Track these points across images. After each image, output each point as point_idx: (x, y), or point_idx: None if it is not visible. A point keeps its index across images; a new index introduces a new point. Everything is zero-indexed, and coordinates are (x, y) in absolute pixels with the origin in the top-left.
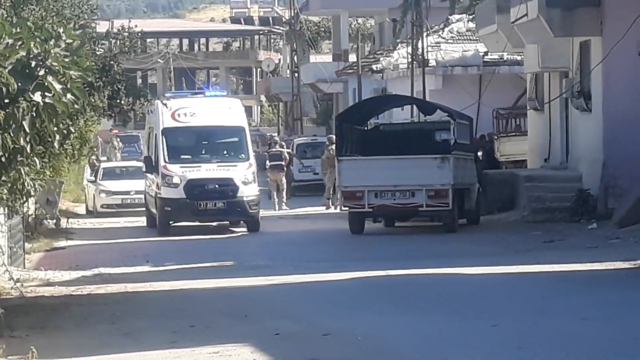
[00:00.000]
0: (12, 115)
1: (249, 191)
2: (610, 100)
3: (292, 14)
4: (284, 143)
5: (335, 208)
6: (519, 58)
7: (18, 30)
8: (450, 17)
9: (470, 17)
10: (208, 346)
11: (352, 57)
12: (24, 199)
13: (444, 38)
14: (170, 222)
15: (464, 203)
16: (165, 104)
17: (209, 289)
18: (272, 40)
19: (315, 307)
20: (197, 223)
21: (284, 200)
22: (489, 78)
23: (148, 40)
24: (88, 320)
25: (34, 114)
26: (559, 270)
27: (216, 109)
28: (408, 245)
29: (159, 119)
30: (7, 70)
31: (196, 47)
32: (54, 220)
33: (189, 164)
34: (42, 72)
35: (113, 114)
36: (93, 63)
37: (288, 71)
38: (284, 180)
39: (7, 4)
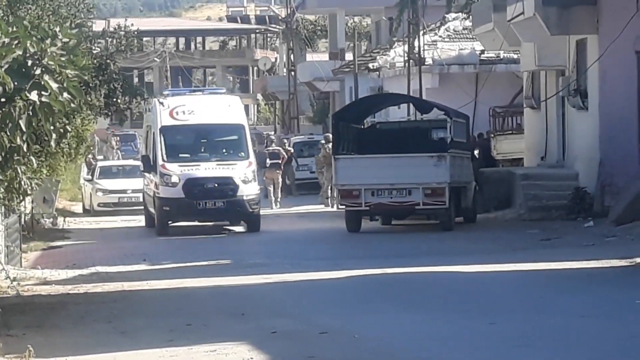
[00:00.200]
0: (8, 114)
1: (249, 190)
2: (607, 98)
3: (289, 13)
4: (285, 141)
5: (332, 206)
6: (515, 56)
7: (14, 29)
8: (446, 16)
9: (467, 15)
10: (205, 345)
11: (349, 56)
12: (21, 198)
13: (440, 36)
14: (169, 222)
15: (461, 201)
16: (162, 102)
17: (206, 288)
18: (268, 39)
19: (312, 305)
20: (196, 223)
21: (278, 199)
22: (486, 76)
23: (144, 39)
24: (85, 319)
25: (31, 113)
26: (556, 268)
27: (215, 106)
28: (405, 244)
29: (157, 117)
30: (3, 69)
31: (193, 46)
32: (51, 219)
33: (188, 162)
34: (38, 71)
35: (109, 113)
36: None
37: (285, 70)
38: (280, 179)
39: (4, 3)
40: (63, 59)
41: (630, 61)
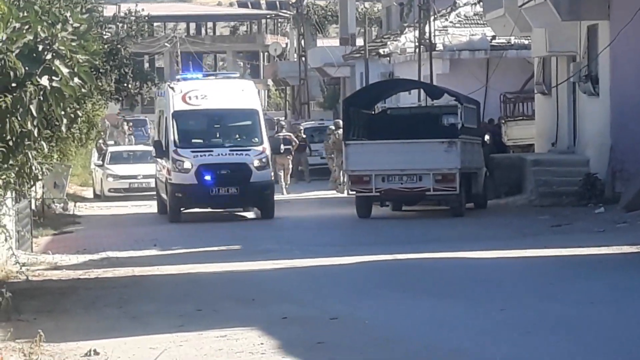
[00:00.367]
0: (19, 99)
1: (263, 176)
2: (618, 84)
3: None
4: (302, 128)
5: (344, 192)
6: (526, 42)
7: (25, 14)
8: (457, 1)
9: (478, 1)
10: (215, 330)
11: (360, 41)
12: (32, 182)
13: (451, 22)
14: (182, 209)
15: (471, 187)
16: (172, 87)
17: (216, 273)
18: (279, 24)
19: (323, 291)
20: (208, 210)
21: (287, 185)
22: (497, 62)
23: (155, 24)
24: (95, 304)
25: (42, 98)
26: (566, 254)
27: (229, 91)
28: (415, 230)
29: (170, 101)
30: (14, 54)
31: (203, 31)
32: (62, 204)
33: (201, 148)
34: (49, 56)
35: (120, 98)
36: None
37: (295, 55)
38: (290, 165)
39: None
40: (74, 44)
41: None
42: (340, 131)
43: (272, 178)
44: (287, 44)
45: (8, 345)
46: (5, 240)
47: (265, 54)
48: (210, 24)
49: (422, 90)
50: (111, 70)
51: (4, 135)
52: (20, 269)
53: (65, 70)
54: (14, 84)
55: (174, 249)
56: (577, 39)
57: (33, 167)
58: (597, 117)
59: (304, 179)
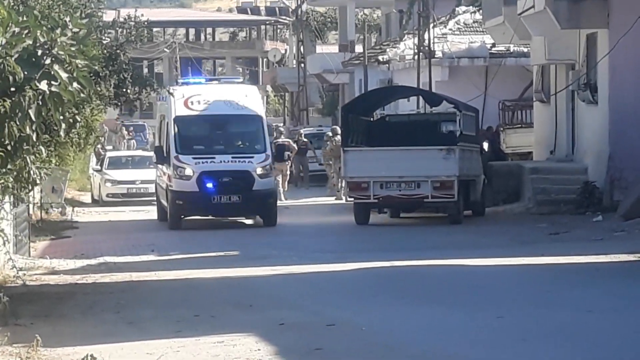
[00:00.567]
0: (18, 103)
1: (265, 184)
2: (617, 92)
3: (299, 4)
4: (302, 132)
5: (342, 199)
6: (525, 50)
7: (24, 18)
8: (457, 9)
9: (477, 8)
10: (212, 336)
11: (359, 48)
12: (30, 187)
13: (450, 29)
14: (182, 217)
15: (470, 194)
16: (171, 93)
17: (213, 279)
18: (278, 31)
19: (320, 297)
20: (210, 217)
21: (285, 190)
22: (495, 70)
23: (154, 29)
24: (93, 308)
25: (40, 103)
26: (564, 262)
27: (232, 96)
28: (413, 237)
29: (171, 107)
30: (13, 58)
31: (202, 37)
32: (60, 209)
33: (202, 154)
34: (48, 61)
35: (119, 103)
36: (99, 52)
37: (294, 61)
38: (288, 171)
39: None
40: (73, 48)
41: None
42: (338, 137)
43: (275, 186)
44: (286, 50)
45: (5, 350)
46: (3, 244)
47: (264, 60)
48: (209, 30)
49: (420, 98)
50: (110, 75)
51: (2, 139)
52: (18, 273)
53: (64, 75)
54: (12, 89)
55: (172, 254)
56: (576, 47)
57: (31, 172)
58: (595, 126)
59: (302, 185)
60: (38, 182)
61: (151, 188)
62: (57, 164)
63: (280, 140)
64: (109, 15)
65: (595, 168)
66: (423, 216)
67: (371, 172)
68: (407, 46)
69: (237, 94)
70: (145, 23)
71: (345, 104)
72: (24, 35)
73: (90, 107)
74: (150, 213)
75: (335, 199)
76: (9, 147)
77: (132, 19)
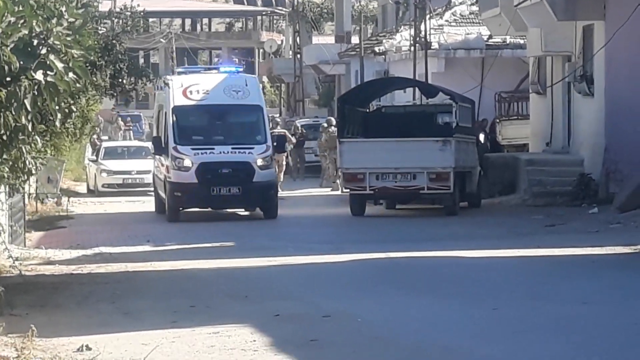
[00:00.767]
0: (13, 93)
1: (266, 176)
2: (613, 84)
3: None
4: (298, 124)
5: (337, 189)
6: (521, 41)
7: (20, 8)
8: (453, 0)
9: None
10: (208, 326)
11: (355, 39)
12: (25, 177)
13: (447, 21)
14: (181, 209)
15: (465, 186)
16: (167, 84)
17: (209, 270)
18: (274, 21)
19: (316, 288)
20: (209, 209)
21: (280, 182)
22: (492, 61)
23: (150, 19)
24: (88, 299)
25: (36, 93)
26: (559, 254)
27: (231, 85)
28: (409, 228)
29: (169, 96)
30: (9, 48)
31: (199, 27)
32: (55, 199)
33: (202, 145)
34: (44, 51)
35: (115, 94)
36: (95, 42)
37: (290, 52)
38: (284, 162)
39: None
40: (69, 38)
41: (636, 48)
42: (333, 128)
43: (276, 177)
44: (282, 41)
45: (0, 340)
46: None
47: (261, 50)
48: (205, 20)
49: (417, 89)
50: (106, 66)
51: None
52: (14, 263)
53: (60, 65)
54: (8, 78)
55: (168, 245)
56: (572, 39)
57: (27, 162)
58: (591, 118)
59: (298, 176)
60: (34, 172)
61: (147, 178)
62: (53, 154)
63: (276, 131)
64: (105, 5)
65: (591, 160)
66: (419, 208)
67: (367, 163)
68: (404, 37)
69: (236, 84)
70: (142, 13)
71: (341, 95)
72: (19, 25)
73: (86, 97)
74: (146, 204)
75: (332, 190)
76: (4, 137)
77: (128, 9)
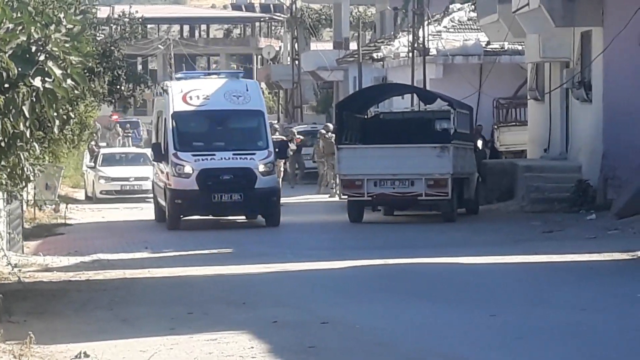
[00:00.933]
0: (12, 100)
1: (268, 182)
2: (611, 91)
3: (293, 1)
4: (294, 131)
5: (334, 196)
6: (520, 48)
7: (19, 15)
8: (451, 6)
9: (472, 6)
10: (206, 333)
11: (353, 45)
12: (23, 184)
13: (445, 27)
14: (181, 216)
15: (463, 192)
16: (165, 90)
17: (207, 276)
18: (272, 28)
19: (314, 295)
20: (210, 217)
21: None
22: (490, 67)
23: (149, 26)
24: (86, 306)
25: (34, 99)
26: (557, 260)
27: (232, 90)
28: (407, 235)
29: (169, 102)
30: (7, 55)
31: (197, 34)
32: (53, 206)
33: (202, 151)
34: (42, 57)
35: (113, 100)
36: (93, 48)
37: (288, 59)
38: (282, 168)
39: None
40: (67, 45)
41: (634, 54)
42: (330, 135)
43: (278, 184)
44: (280, 47)
45: None
46: None
47: (259, 57)
48: (203, 27)
49: (415, 95)
50: (104, 72)
51: None
52: (13, 270)
53: (58, 72)
54: (6, 85)
55: (165, 251)
56: (570, 45)
57: (25, 169)
58: (589, 124)
59: (296, 183)
60: (32, 178)
61: (145, 185)
62: (51, 160)
63: (274, 137)
64: (103, 12)
65: (589, 166)
66: (417, 214)
67: (365, 169)
68: (402, 44)
69: (237, 89)
70: (140, 20)
71: (339, 102)
72: (18, 32)
73: (84, 103)
74: (144, 210)
75: (329, 197)
76: (2, 144)
77: (127, 16)
